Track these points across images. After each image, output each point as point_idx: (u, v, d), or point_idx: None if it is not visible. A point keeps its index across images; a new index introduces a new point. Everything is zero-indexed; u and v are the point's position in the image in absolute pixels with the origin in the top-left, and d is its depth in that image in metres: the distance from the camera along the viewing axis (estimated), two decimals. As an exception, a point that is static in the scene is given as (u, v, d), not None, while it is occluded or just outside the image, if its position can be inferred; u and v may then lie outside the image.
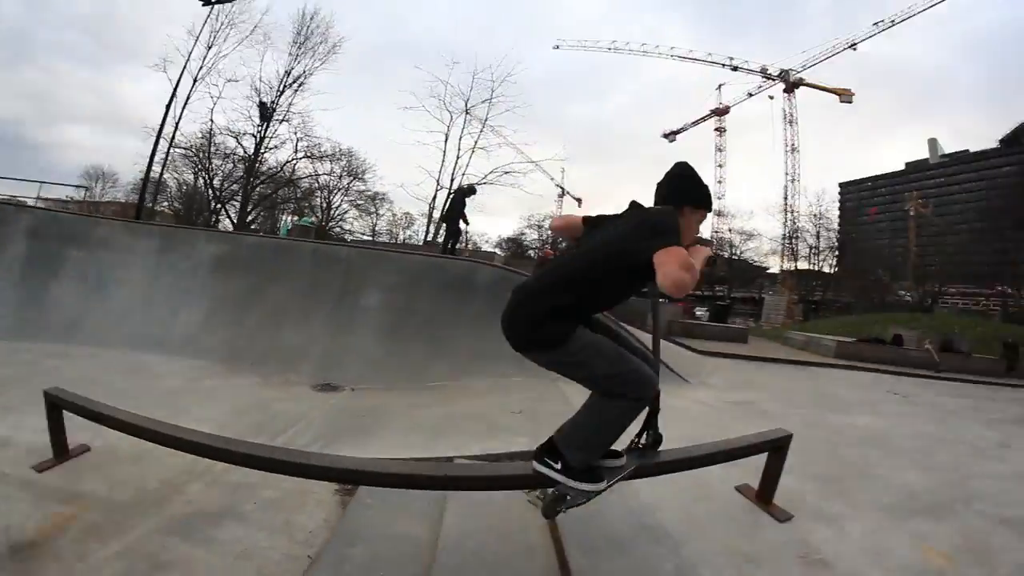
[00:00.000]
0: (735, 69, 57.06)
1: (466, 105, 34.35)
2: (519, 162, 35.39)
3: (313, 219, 35.39)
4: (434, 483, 2.41)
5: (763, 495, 3.40)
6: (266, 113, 32.30)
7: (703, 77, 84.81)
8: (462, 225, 12.70)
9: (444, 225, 14.34)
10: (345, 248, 11.47)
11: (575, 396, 4.98)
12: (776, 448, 3.27)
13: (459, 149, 34.77)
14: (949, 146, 70.91)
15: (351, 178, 39.43)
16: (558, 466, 2.13)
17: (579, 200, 61.96)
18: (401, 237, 46.92)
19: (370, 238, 42.86)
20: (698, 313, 25.84)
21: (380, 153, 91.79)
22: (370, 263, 8.52)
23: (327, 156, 36.44)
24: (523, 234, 57.51)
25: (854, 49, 52.93)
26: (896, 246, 54.69)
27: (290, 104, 33.18)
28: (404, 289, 8.00)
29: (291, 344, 7.87)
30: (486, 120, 34.37)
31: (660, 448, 2.47)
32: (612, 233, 2.07)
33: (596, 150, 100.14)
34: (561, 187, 59.80)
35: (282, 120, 33.28)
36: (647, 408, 2.28)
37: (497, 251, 46.07)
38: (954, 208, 57.98)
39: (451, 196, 13.05)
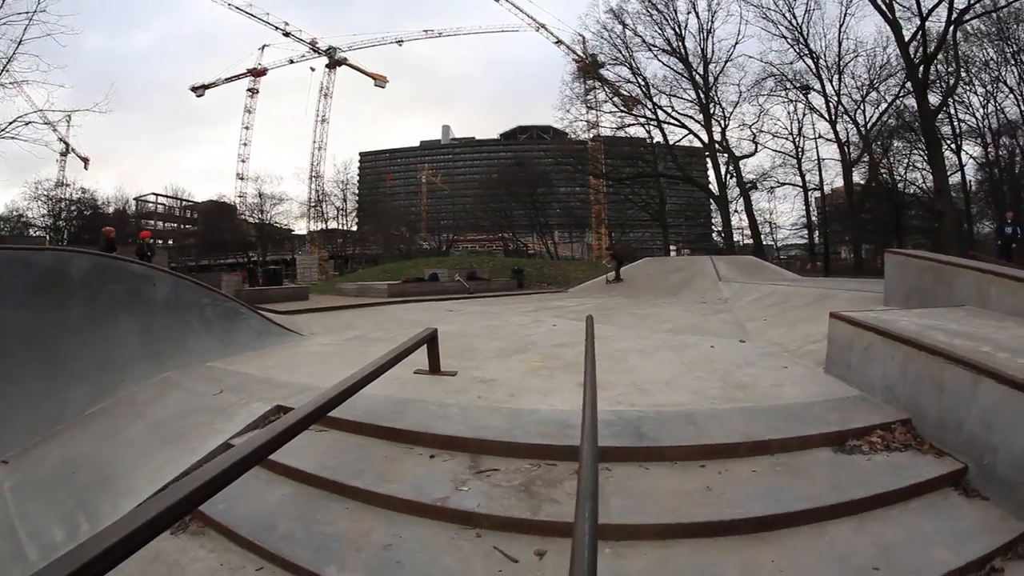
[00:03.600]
0: (287, 35, 60.29)
1: None
2: (54, 110, 29.21)
3: None
4: (262, 453, 2.28)
5: (434, 369, 5.48)
6: None
7: (248, 33, 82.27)
8: None
9: None
10: None
11: (240, 366, 6.54)
12: (431, 340, 5.37)
13: None
14: (459, 132, 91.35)
15: None
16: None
17: (86, 160, 54.09)
18: None
19: None
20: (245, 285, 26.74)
21: None
22: None
23: None
24: (27, 208, 46.47)
25: (399, 44, 65.08)
26: (411, 206, 72.05)
27: None
28: None
29: None
30: (20, 43, 25.64)
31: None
32: None
33: (108, 96, 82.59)
34: (66, 142, 49.80)
35: None
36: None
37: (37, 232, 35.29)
38: (459, 179, 78.68)
39: None
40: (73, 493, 4.08)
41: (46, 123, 29.55)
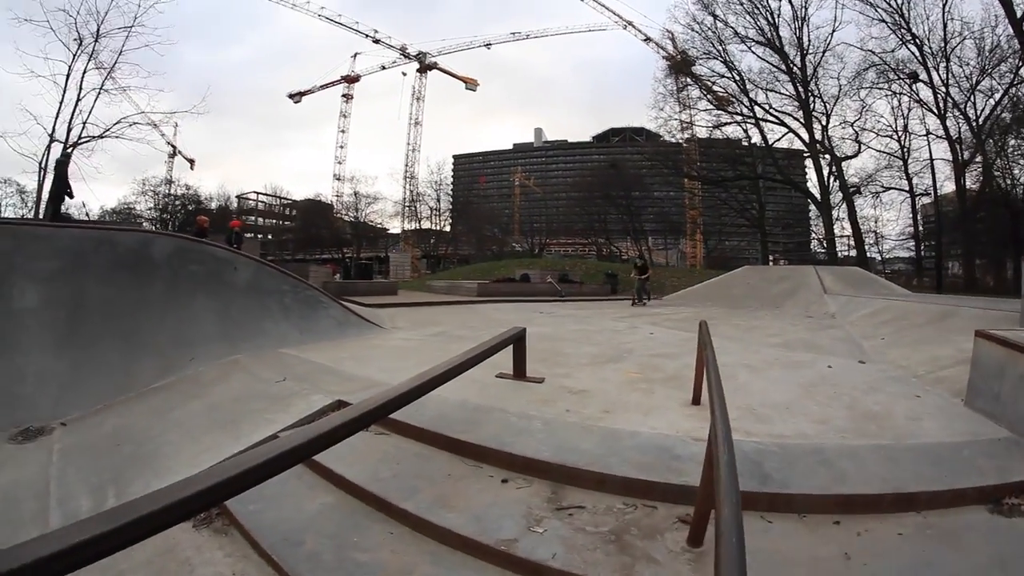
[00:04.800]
0: (377, 42, 62.66)
1: (99, 29, 27.24)
2: (153, 112, 30.56)
3: None
4: (302, 452, 1.97)
5: (519, 373, 4.91)
6: None
7: (339, 42, 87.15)
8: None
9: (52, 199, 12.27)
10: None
11: (313, 355, 6.26)
12: (518, 340, 4.81)
13: (80, 88, 27.52)
14: (551, 135, 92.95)
15: None
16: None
17: (192, 161, 58.32)
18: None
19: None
20: (336, 277, 27.61)
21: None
22: (12, 246, 6.21)
23: None
24: (135, 202, 51.61)
25: (488, 48, 65.76)
26: (504, 208, 72.91)
27: None
28: (68, 276, 6.33)
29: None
30: (120, 53, 27.88)
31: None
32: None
33: (209, 105, 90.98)
34: (173, 145, 54.78)
35: None
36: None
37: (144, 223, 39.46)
38: (552, 182, 79.51)
39: (57, 164, 11.82)
40: (112, 465, 3.99)
41: (149, 124, 31.81)
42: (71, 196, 11.55)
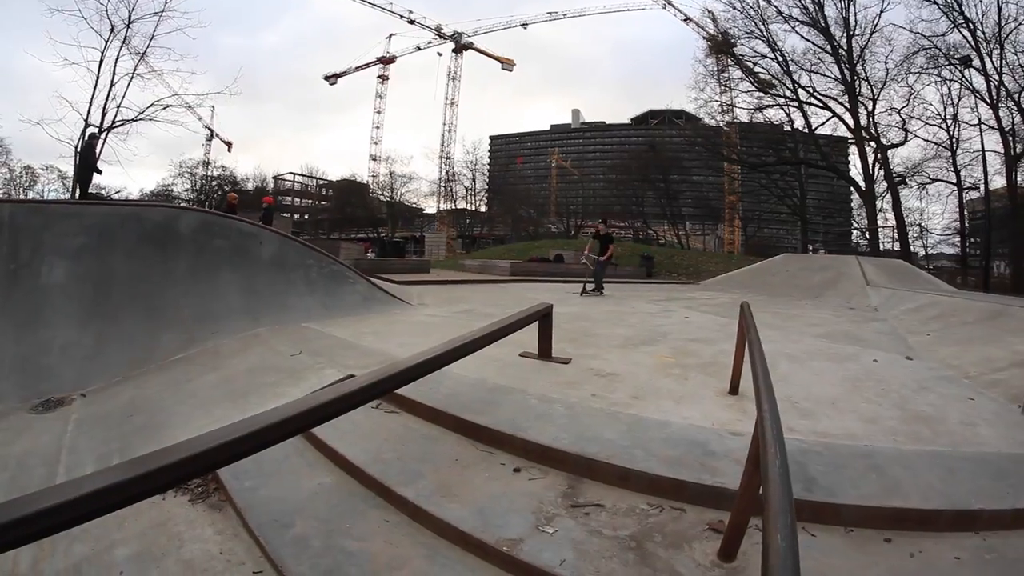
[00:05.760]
0: (412, 23, 62.40)
1: (130, 15, 28.07)
2: (188, 93, 31.75)
3: None
4: (294, 425, 1.79)
5: (544, 352, 4.66)
6: None
7: (374, 23, 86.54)
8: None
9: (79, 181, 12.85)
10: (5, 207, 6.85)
11: (334, 330, 6.15)
12: (544, 316, 4.57)
13: (114, 73, 28.52)
14: (589, 116, 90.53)
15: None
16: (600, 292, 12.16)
17: (229, 144, 59.35)
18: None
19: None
20: (369, 255, 27.53)
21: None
22: (42, 223, 6.47)
23: None
24: (172, 184, 53.30)
25: (524, 28, 65.01)
26: (541, 190, 71.39)
27: None
28: (95, 251, 6.50)
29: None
30: (152, 38, 28.85)
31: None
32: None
33: (245, 89, 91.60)
34: (210, 129, 55.82)
35: None
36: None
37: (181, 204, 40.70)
38: (590, 164, 78.01)
39: (83, 148, 12.33)
40: (122, 435, 4.00)
41: (183, 106, 33.10)
42: (99, 172, 12.07)
